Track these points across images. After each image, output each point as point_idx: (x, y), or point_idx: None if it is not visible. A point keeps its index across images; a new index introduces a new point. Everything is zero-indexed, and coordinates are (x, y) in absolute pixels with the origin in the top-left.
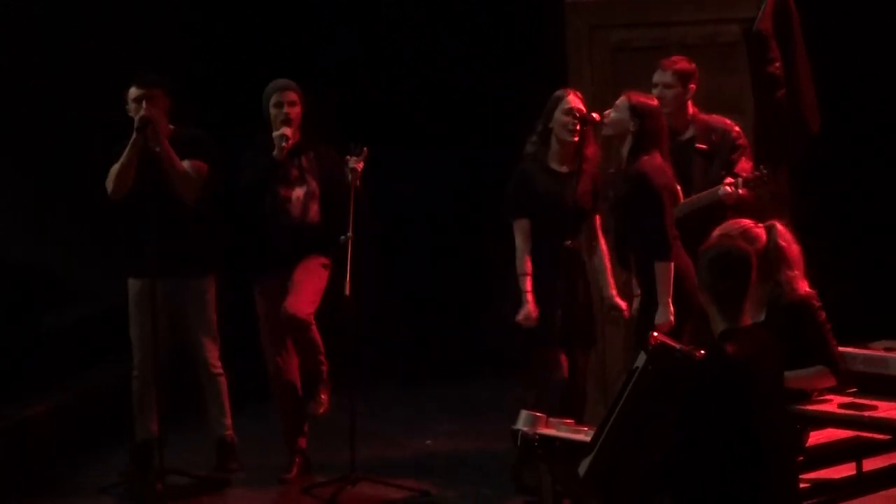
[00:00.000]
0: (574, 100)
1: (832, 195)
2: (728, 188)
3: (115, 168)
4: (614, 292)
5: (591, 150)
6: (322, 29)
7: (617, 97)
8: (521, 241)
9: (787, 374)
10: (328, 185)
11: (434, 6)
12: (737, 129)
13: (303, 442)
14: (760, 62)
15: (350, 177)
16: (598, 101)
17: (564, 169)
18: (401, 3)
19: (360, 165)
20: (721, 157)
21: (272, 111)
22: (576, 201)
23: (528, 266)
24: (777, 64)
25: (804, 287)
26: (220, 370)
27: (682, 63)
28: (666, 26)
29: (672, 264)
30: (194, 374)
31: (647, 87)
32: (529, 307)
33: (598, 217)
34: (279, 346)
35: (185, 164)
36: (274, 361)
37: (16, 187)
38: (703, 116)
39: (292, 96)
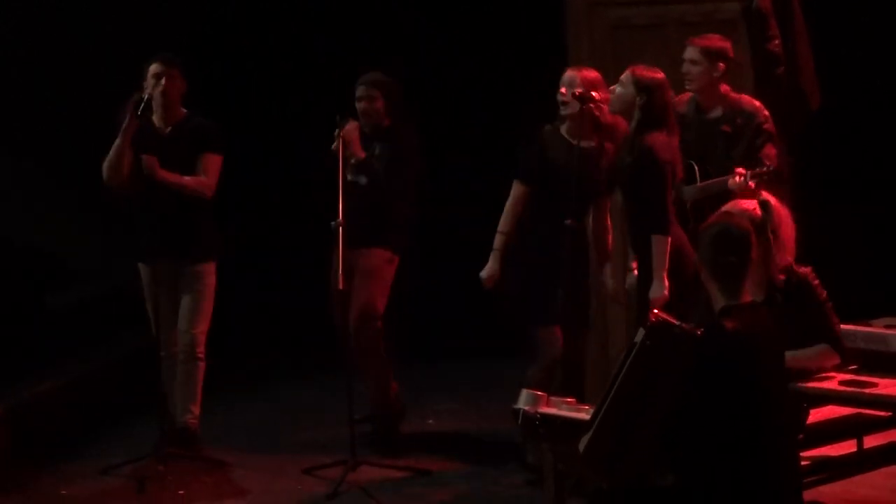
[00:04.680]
0: (569, 74)
1: (832, 171)
2: (738, 178)
3: (108, 156)
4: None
5: (611, 127)
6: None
7: (616, 74)
8: (510, 202)
9: (789, 354)
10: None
11: None
12: (765, 113)
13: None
14: (760, 39)
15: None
16: None
17: (580, 143)
18: None
19: (342, 140)
20: (744, 140)
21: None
22: (587, 178)
23: (508, 226)
24: (776, 41)
25: (795, 267)
26: (203, 356)
27: (711, 40)
28: (665, 3)
29: (669, 239)
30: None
31: (646, 65)
32: (494, 265)
33: (608, 200)
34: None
35: (205, 156)
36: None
37: (19, 168)
38: (735, 96)
39: (363, 91)
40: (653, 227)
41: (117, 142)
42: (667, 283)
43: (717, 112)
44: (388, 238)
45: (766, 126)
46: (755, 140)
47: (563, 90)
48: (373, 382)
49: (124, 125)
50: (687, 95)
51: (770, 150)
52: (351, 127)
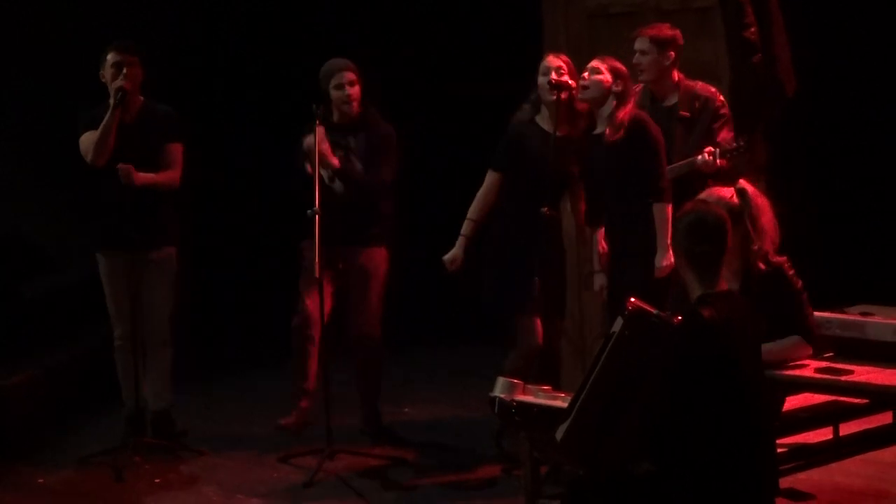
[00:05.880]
0: (552, 59)
1: (808, 159)
2: (707, 156)
3: (96, 136)
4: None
5: (584, 115)
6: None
7: None
8: (482, 190)
9: (763, 347)
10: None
11: None
12: (721, 98)
13: (305, 402)
14: (736, 27)
15: (312, 144)
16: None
17: (557, 132)
18: None
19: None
20: (702, 125)
21: (334, 93)
22: (560, 166)
23: (477, 214)
24: (752, 29)
25: (772, 255)
26: (170, 342)
27: (659, 30)
28: None
29: (671, 206)
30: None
31: (622, 54)
32: (458, 250)
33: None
34: (312, 297)
35: (169, 146)
36: (303, 310)
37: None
38: (689, 83)
39: (351, 76)
40: (653, 195)
41: (105, 122)
42: (671, 251)
43: (672, 99)
44: (383, 235)
45: (722, 110)
46: (712, 124)
47: (543, 81)
48: (371, 383)
49: (111, 108)
50: (640, 87)
51: (727, 134)
52: (319, 137)
